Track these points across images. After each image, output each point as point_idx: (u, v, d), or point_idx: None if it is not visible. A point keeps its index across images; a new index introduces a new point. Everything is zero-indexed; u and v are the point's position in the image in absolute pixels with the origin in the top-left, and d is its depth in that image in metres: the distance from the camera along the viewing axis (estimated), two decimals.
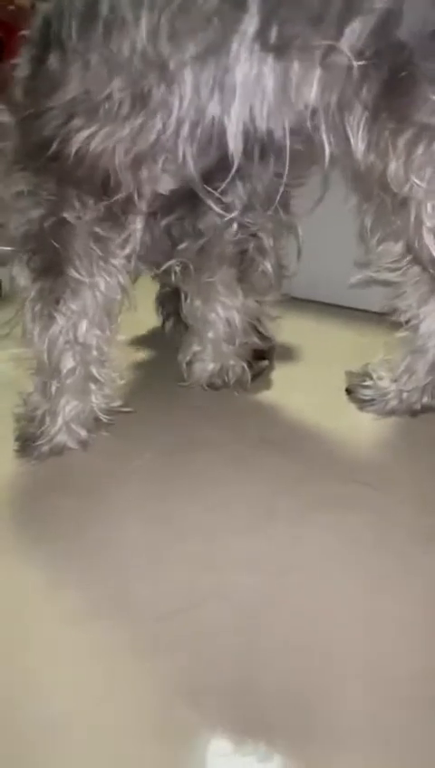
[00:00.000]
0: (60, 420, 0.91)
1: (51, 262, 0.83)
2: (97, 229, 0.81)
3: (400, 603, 0.70)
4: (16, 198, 0.81)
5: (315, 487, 0.86)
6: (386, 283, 0.90)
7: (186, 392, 1.05)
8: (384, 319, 0.97)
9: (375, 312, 1.12)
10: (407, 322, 0.91)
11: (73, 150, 0.74)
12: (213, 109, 0.70)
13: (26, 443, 0.92)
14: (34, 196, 0.80)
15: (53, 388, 0.89)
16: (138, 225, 0.82)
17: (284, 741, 0.58)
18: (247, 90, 0.68)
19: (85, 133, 0.74)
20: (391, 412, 0.98)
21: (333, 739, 0.58)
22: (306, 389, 1.06)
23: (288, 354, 1.17)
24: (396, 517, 0.81)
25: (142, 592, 0.73)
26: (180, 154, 0.74)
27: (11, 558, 0.79)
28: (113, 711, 0.61)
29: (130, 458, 0.92)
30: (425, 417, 0.99)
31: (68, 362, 0.87)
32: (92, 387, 0.91)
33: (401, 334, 0.94)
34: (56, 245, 0.81)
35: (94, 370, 0.90)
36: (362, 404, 1.01)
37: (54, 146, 0.75)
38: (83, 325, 0.86)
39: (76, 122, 0.74)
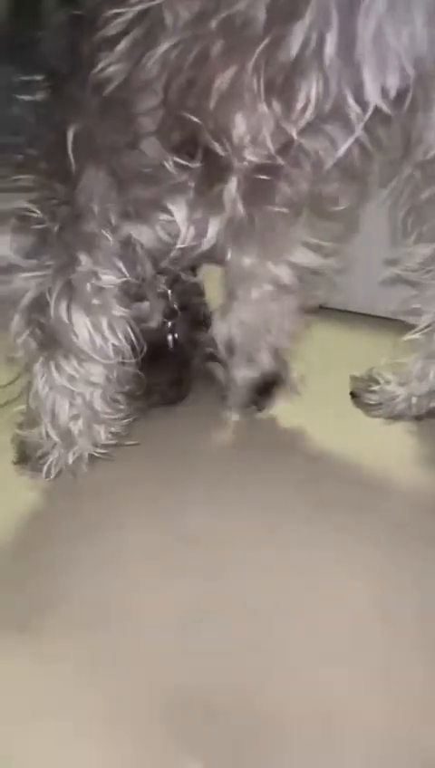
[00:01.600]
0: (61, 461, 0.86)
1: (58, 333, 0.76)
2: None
3: (414, 606, 0.69)
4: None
5: (325, 491, 0.85)
6: (410, 284, 0.88)
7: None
8: (387, 324, 0.96)
9: (379, 317, 1.12)
10: (427, 327, 0.91)
11: None
12: None
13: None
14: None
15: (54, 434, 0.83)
16: None
17: (300, 754, 0.57)
18: None
19: None
20: (398, 416, 0.97)
21: (351, 753, 0.57)
22: (313, 393, 1.02)
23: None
24: (406, 520, 0.80)
25: (149, 601, 0.71)
26: None
27: (10, 562, 0.77)
28: (117, 726, 0.60)
29: (135, 463, 0.89)
30: (432, 422, 0.99)
31: (71, 410, 0.82)
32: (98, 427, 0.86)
33: (410, 337, 0.93)
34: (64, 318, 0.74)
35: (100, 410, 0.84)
36: (369, 408, 0.99)
37: None
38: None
39: None
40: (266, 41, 0.57)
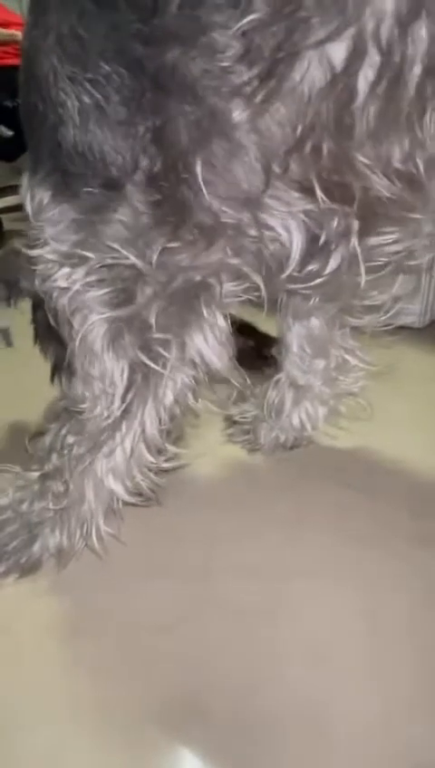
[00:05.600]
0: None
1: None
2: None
3: (402, 607, 0.68)
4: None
5: (311, 493, 0.85)
6: None
7: None
8: None
9: None
10: None
11: None
12: None
13: None
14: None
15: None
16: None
17: (291, 751, 0.55)
18: None
19: None
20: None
21: (343, 748, 0.56)
22: None
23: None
24: (389, 521, 0.80)
25: (138, 603, 0.69)
26: None
27: None
28: (110, 728, 0.58)
29: None
30: (412, 427, 0.99)
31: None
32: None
33: None
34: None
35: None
36: None
37: None
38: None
39: None
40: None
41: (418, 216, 0.64)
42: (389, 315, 0.82)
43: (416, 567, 0.73)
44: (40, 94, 0.59)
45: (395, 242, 0.69)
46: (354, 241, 0.63)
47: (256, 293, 0.67)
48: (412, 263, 0.74)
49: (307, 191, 0.59)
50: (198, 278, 0.61)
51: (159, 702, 0.59)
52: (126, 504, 0.74)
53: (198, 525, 0.79)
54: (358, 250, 0.64)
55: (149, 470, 0.71)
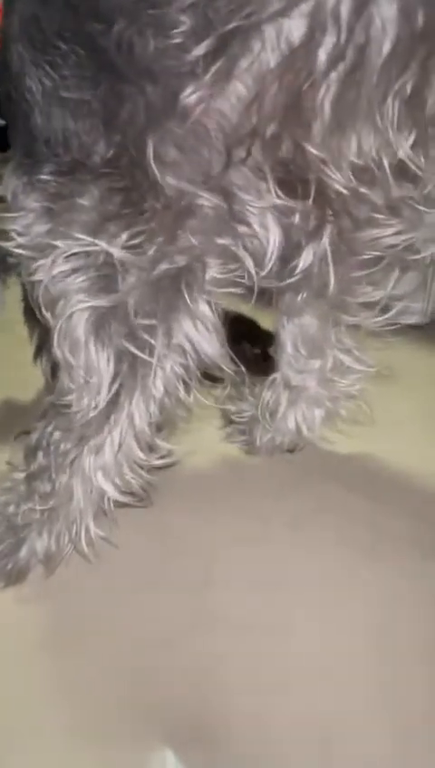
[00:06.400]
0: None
1: None
2: None
3: (411, 620, 0.67)
4: None
5: (315, 501, 0.82)
6: None
7: None
8: None
9: None
10: None
11: None
12: None
13: None
14: None
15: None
16: None
17: None
18: None
19: None
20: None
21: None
22: None
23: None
24: (393, 530, 0.77)
25: (132, 614, 0.66)
26: None
27: None
28: (100, 749, 0.55)
29: None
30: (418, 429, 0.96)
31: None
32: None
33: None
34: None
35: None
36: None
37: None
38: None
39: None
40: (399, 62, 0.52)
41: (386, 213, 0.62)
42: (390, 314, 0.79)
43: (423, 580, 0.71)
44: (11, 83, 0.59)
45: (389, 235, 0.67)
46: (326, 238, 0.62)
47: (245, 283, 0.64)
48: (411, 257, 0.72)
49: (278, 183, 0.57)
50: (182, 263, 0.59)
51: (156, 721, 0.57)
52: (118, 505, 0.71)
53: (195, 529, 0.77)
54: (328, 249, 0.62)
55: (140, 467, 0.68)
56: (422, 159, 0.57)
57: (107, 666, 0.62)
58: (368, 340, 0.87)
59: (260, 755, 0.55)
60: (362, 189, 0.59)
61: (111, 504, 0.70)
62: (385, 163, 0.57)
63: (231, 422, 0.93)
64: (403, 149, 0.56)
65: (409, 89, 0.53)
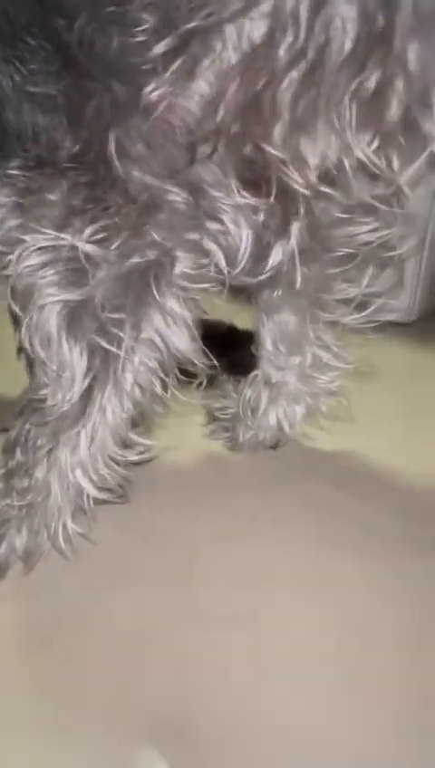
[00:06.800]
0: None
1: None
2: None
3: (387, 619, 0.66)
4: None
5: (294, 496, 0.82)
6: None
7: None
8: None
9: None
10: None
11: None
12: None
13: None
14: None
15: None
16: None
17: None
18: None
19: None
20: None
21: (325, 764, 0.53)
22: None
23: None
24: (376, 526, 0.77)
25: (111, 610, 0.65)
26: None
27: None
28: (77, 746, 0.53)
29: None
30: (401, 426, 0.97)
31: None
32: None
33: None
34: None
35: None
36: None
37: None
38: None
39: None
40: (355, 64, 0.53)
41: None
42: (370, 311, 0.80)
43: (406, 578, 0.71)
44: None
45: (364, 233, 0.67)
46: (294, 236, 0.63)
47: (219, 279, 0.65)
48: (387, 254, 0.73)
49: (242, 181, 0.59)
50: (151, 257, 0.59)
51: (132, 718, 0.56)
52: (97, 502, 0.71)
53: (176, 526, 0.77)
54: (295, 248, 0.63)
55: (116, 462, 0.68)
56: (383, 161, 0.58)
57: (82, 660, 0.61)
58: (350, 336, 0.88)
59: (235, 748, 0.54)
60: (325, 189, 0.59)
61: (90, 501, 0.70)
62: (346, 164, 0.58)
63: (215, 419, 0.94)
64: (362, 150, 0.57)
65: (366, 89, 0.54)
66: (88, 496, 0.70)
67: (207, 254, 0.62)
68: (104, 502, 0.72)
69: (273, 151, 0.56)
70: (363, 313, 0.80)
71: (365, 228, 0.66)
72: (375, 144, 0.57)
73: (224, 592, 0.68)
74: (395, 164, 0.60)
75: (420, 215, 1.09)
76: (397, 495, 0.83)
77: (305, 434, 0.92)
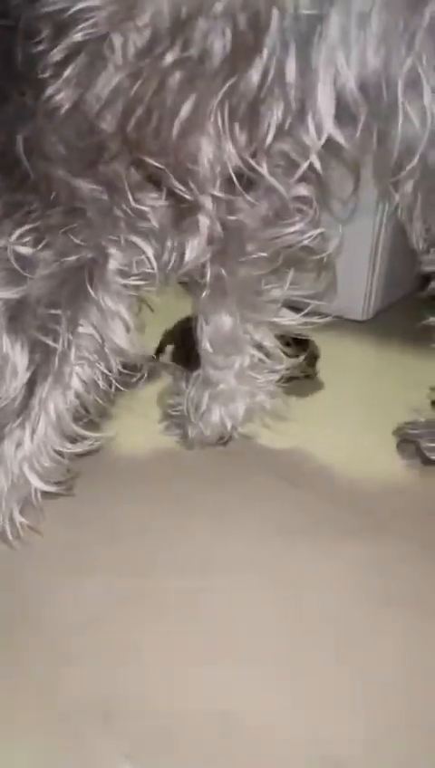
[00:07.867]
0: None
1: None
2: None
3: (327, 604, 0.67)
4: None
5: (247, 487, 0.84)
6: None
7: None
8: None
9: None
10: None
11: None
12: None
13: None
14: None
15: None
16: None
17: (202, 753, 0.53)
18: None
19: None
20: None
21: (248, 755, 0.53)
22: None
23: None
24: (327, 516, 0.79)
25: (53, 600, 0.67)
26: None
27: None
28: (11, 734, 0.54)
29: None
30: (356, 421, 0.98)
31: None
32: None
33: None
34: None
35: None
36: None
37: None
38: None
39: None
40: (228, 72, 0.56)
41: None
42: (305, 312, 0.82)
43: (348, 564, 0.73)
44: None
45: (289, 234, 0.70)
46: (200, 237, 0.66)
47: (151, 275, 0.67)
48: (310, 256, 0.74)
49: (150, 181, 0.62)
50: (85, 255, 0.62)
51: (64, 706, 0.57)
52: (45, 494, 0.72)
53: (124, 517, 0.78)
54: (205, 247, 0.66)
55: (60, 455, 0.70)
56: (264, 167, 0.61)
57: (20, 650, 0.62)
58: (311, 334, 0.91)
59: (166, 735, 0.55)
60: (218, 194, 0.62)
61: (38, 494, 0.72)
62: (229, 169, 0.61)
63: (168, 416, 0.95)
64: (237, 157, 0.60)
65: (236, 97, 0.57)
66: (35, 489, 0.71)
67: (139, 250, 0.65)
68: (52, 494, 0.74)
69: (151, 161, 0.60)
70: (299, 315, 0.82)
71: (291, 230, 0.69)
72: (246, 147, 0.60)
73: (177, 583, 0.70)
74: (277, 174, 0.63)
75: (371, 213, 1.11)
76: (348, 489, 0.85)
77: (257, 431, 0.94)
